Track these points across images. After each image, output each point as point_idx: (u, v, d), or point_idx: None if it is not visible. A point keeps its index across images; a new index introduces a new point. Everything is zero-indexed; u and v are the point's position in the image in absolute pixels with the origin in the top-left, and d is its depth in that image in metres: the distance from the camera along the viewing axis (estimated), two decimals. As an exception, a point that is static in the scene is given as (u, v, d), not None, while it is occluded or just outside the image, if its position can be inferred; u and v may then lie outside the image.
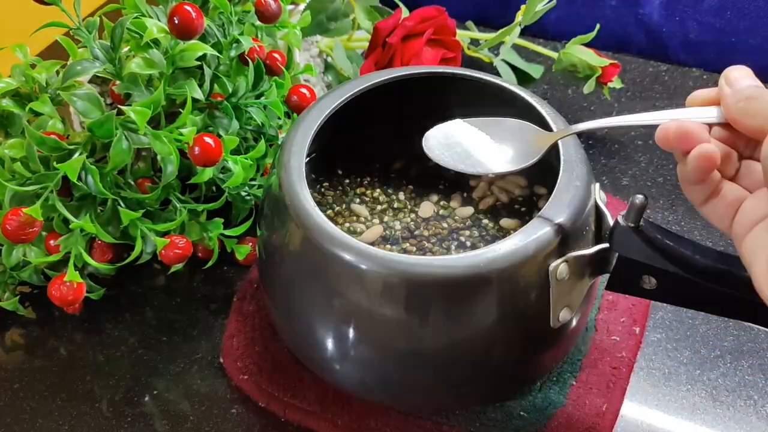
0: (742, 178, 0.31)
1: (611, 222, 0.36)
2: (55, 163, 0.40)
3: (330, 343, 0.38)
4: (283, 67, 0.50)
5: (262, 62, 0.48)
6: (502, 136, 0.39)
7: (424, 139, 0.39)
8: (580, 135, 0.40)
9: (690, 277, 0.33)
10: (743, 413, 0.42)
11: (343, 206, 0.45)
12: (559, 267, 0.35)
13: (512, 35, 0.59)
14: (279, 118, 0.50)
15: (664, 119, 0.31)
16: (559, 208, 0.36)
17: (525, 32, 0.61)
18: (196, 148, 0.41)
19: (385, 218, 0.44)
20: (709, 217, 0.32)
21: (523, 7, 0.57)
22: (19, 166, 0.41)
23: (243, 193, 0.51)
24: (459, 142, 0.39)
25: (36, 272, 0.48)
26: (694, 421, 0.42)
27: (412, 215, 0.44)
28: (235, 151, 0.47)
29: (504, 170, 0.38)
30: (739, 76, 0.30)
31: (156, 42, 0.43)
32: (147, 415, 0.44)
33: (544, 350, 0.39)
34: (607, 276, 0.36)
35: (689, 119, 0.31)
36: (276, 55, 0.49)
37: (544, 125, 0.39)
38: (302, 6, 0.60)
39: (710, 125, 0.31)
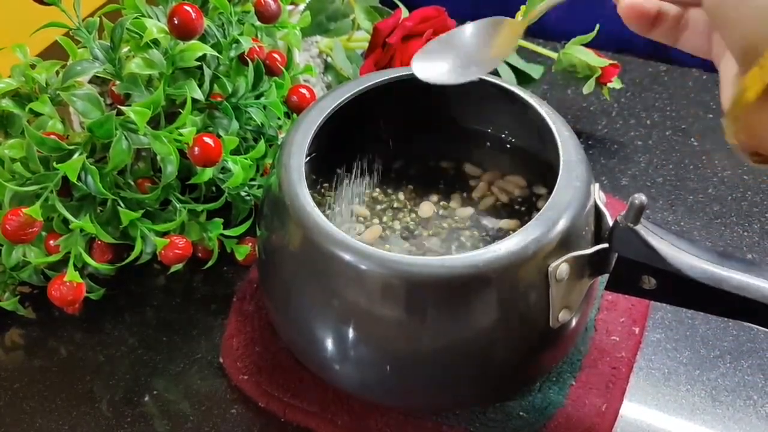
0: None
1: (611, 222, 0.36)
2: (55, 163, 0.40)
3: (330, 343, 0.38)
4: (282, 68, 0.50)
5: (261, 62, 0.48)
6: (475, 38, 0.38)
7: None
8: (579, 135, 0.40)
9: (690, 277, 0.33)
10: (743, 413, 0.42)
11: (343, 206, 0.45)
12: (559, 267, 0.35)
13: (512, 35, 0.59)
14: (279, 118, 0.50)
15: None
16: (558, 208, 0.36)
17: (525, 32, 0.60)
18: (196, 148, 0.41)
19: (385, 218, 0.44)
20: (688, 50, 0.31)
21: (523, 7, 0.57)
22: (19, 166, 0.41)
23: (243, 193, 0.51)
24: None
25: (36, 272, 0.48)
26: (694, 421, 0.42)
27: (412, 215, 0.44)
28: (235, 151, 0.47)
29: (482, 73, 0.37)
30: None
31: (156, 42, 0.43)
32: (147, 415, 0.44)
33: (544, 350, 0.39)
34: (606, 276, 0.36)
35: None
36: (276, 56, 0.49)
37: (543, 125, 0.40)
38: (302, 6, 0.60)
39: None
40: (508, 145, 0.47)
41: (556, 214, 0.35)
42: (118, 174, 0.46)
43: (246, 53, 0.47)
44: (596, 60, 0.58)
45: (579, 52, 0.58)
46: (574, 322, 0.39)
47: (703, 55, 0.31)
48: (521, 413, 0.42)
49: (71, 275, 0.42)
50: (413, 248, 0.42)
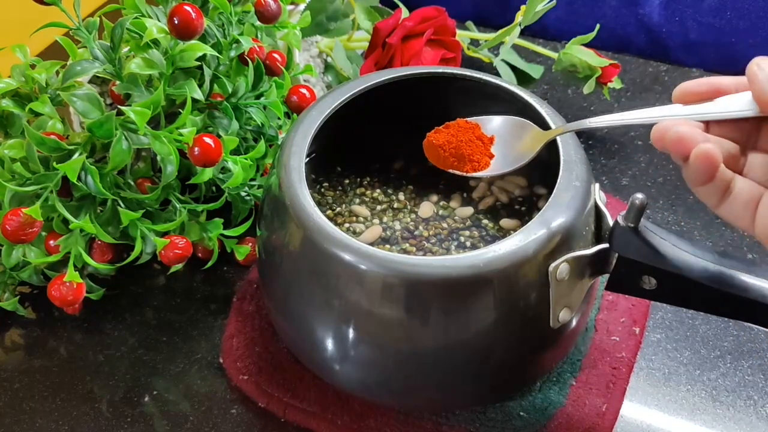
0: (750, 171, 0.30)
1: (611, 222, 0.36)
2: (55, 163, 0.40)
3: (330, 344, 0.38)
4: (282, 68, 0.50)
5: (261, 62, 0.48)
6: (499, 134, 0.40)
7: (425, 141, 0.40)
8: (579, 135, 0.40)
9: (690, 277, 0.33)
10: (743, 413, 0.42)
11: (343, 206, 0.45)
12: (559, 267, 0.35)
13: (512, 35, 0.59)
14: (279, 118, 0.50)
15: (665, 116, 0.31)
16: (559, 208, 0.36)
17: (525, 32, 0.61)
18: (196, 149, 0.41)
19: (385, 218, 0.44)
20: (727, 218, 0.30)
21: (523, 7, 0.57)
22: (19, 166, 0.41)
23: (243, 194, 0.51)
24: None
25: (36, 272, 0.48)
26: (694, 421, 0.42)
27: (412, 215, 0.44)
28: (235, 152, 0.47)
29: (498, 172, 0.39)
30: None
31: (156, 42, 0.43)
32: (147, 415, 0.44)
33: (544, 350, 0.39)
34: (607, 276, 0.36)
35: (684, 116, 0.30)
36: (276, 56, 0.49)
37: (543, 125, 0.40)
38: (302, 6, 0.60)
39: (707, 122, 0.30)
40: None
41: (557, 214, 0.35)
42: (118, 174, 0.46)
43: (246, 53, 0.47)
44: (596, 60, 0.58)
45: (579, 52, 0.58)
46: (574, 322, 0.39)
47: (742, 227, 0.30)
48: (521, 413, 0.42)
49: (71, 275, 0.42)
50: (413, 248, 0.42)
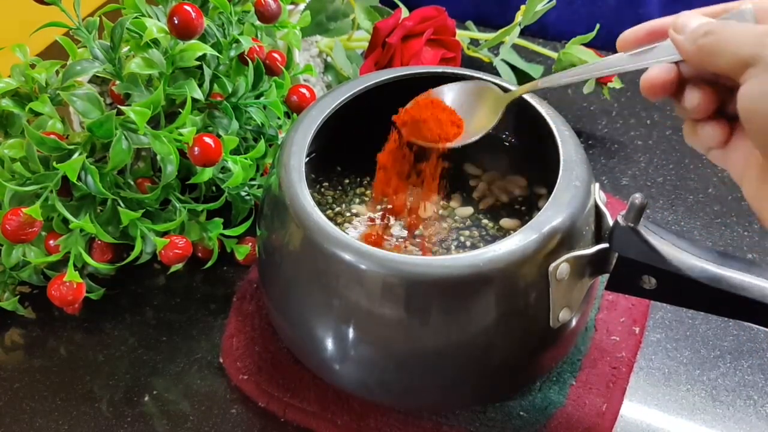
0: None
1: (611, 222, 0.36)
2: (54, 163, 0.40)
3: (330, 343, 0.38)
4: (282, 67, 0.50)
5: (261, 62, 0.48)
6: (457, 103, 0.39)
7: (399, 118, 0.40)
8: (579, 135, 0.40)
9: (690, 277, 0.33)
10: (743, 413, 0.42)
11: (343, 206, 0.45)
12: (559, 267, 0.35)
13: (512, 35, 0.59)
14: (279, 118, 0.50)
15: (608, 66, 0.32)
16: (559, 208, 0.36)
17: (525, 32, 0.61)
18: (196, 148, 0.41)
19: (385, 218, 0.44)
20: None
21: (522, 7, 0.57)
22: (19, 166, 0.41)
23: (243, 193, 0.51)
24: None
25: (36, 272, 0.48)
26: (694, 421, 0.42)
27: (412, 215, 0.44)
28: (235, 151, 0.47)
29: (469, 140, 0.39)
30: (687, 20, 0.28)
31: (156, 42, 0.43)
32: (147, 415, 0.44)
33: (544, 350, 0.39)
34: (607, 276, 0.36)
35: (646, 64, 0.30)
36: (276, 55, 0.49)
37: (543, 125, 0.40)
38: (302, 6, 0.60)
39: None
40: (508, 145, 0.47)
41: (557, 213, 0.35)
42: (118, 174, 0.46)
43: (246, 53, 0.47)
44: (596, 60, 0.58)
45: (579, 52, 0.58)
46: (574, 322, 0.39)
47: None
48: (521, 413, 0.42)
49: (71, 275, 0.42)
50: (413, 248, 0.42)
